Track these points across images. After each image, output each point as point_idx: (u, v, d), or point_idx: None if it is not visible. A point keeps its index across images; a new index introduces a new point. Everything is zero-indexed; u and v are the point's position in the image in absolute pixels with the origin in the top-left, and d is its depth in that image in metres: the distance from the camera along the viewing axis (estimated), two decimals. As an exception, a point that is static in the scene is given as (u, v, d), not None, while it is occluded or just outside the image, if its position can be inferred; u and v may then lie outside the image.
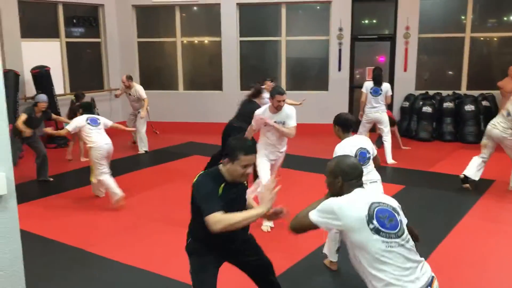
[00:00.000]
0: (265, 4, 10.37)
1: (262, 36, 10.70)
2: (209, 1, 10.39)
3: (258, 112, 5.11)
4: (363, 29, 10.38)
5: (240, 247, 2.98)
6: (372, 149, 4.07)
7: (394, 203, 2.52)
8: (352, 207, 2.37)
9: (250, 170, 2.73)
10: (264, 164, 5.07)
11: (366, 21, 10.56)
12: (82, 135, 6.01)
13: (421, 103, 9.63)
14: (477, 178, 6.29)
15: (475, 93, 9.72)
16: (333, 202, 2.42)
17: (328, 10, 10.13)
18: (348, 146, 3.93)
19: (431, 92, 10.00)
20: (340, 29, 10.02)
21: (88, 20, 10.42)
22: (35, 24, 9.54)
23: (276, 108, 4.92)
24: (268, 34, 10.71)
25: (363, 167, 3.82)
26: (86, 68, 10.71)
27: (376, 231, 2.30)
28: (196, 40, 11.12)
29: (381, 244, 2.29)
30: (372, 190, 2.51)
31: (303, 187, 6.34)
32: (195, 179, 2.80)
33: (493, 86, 9.42)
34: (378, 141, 7.90)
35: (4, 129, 1.96)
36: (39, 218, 5.50)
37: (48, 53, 9.59)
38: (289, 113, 4.99)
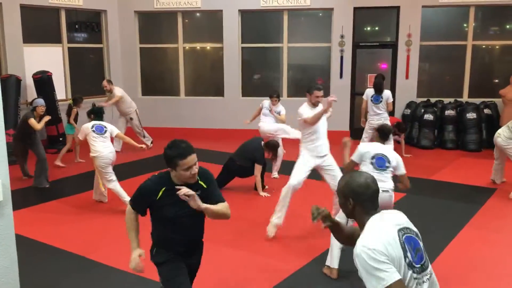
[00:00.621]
0: (267, 10, 10.38)
1: (264, 42, 10.71)
2: (211, 7, 10.41)
3: (304, 109, 5.01)
4: (365, 36, 10.38)
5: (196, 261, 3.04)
6: (397, 163, 4.21)
7: (414, 227, 2.19)
8: (390, 247, 1.97)
9: (195, 169, 2.69)
10: (300, 169, 4.98)
11: (368, 28, 10.56)
12: (88, 142, 5.96)
13: (422, 110, 9.60)
14: (498, 181, 6.88)
15: (477, 101, 9.70)
16: (374, 253, 1.94)
17: (330, 17, 10.14)
18: (371, 146, 4.30)
19: (432, 100, 9.98)
20: (342, 36, 10.02)
21: (91, 25, 10.45)
22: (37, 30, 9.57)
23: (314, 104, 5.01)
24: (270, 40, 10.72)
25: (379, 173, 4.04)
26: (88, 73, 10.73)
27: (410, 265, 1.99)
28: (198, 46, 11.13)
29: (413, 281, 1.99)
30: (390, 214, 2.14)
31: (305, 194, 6.30)
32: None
33: (495, 94, 9.41)
34: None
35: (0, 136, 1.95)
36: (38, 224, 5.48)
37: (50, 58, 9.61)
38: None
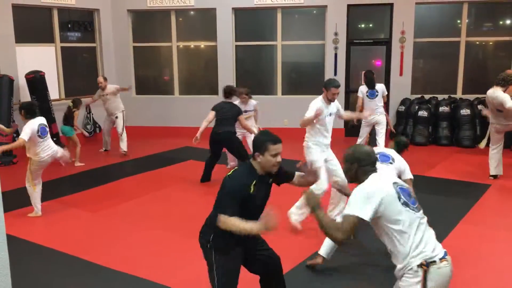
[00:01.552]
0: (260, 8, 10.36)
1: (257, 40, 10.69)
2: (205, 5, 10.38)
3: (317, 104, 5.02)
4: (358, 34, 10.38)
5: (255, 240, 3.11)
6: (404, 167, 4.25)
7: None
8: (381, 185, 2.61)
9: (279, 159, 2.92)
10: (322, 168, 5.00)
11: (362, 26, 10.57)
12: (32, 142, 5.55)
13: (417, 107, 9.62)
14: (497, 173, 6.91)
15: (471, 97, 9.72)
16: (363, 191, 2.60)
17: (324, 15, 10.13)
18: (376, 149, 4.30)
19: (426, 96, 9.99)
20: (336, 34, 10.02)
21: (84, 25, 10.39)
22: (30, 29, 9.50)
23: (330, 100, 5.03)
24: (263, 38, 10.71)
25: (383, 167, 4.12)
26: (81, 73, 10.67)
27: (405, 204, 2.58)
28: (192, 44, 11.10)
29: (412, 215, 2.57)
30: (385, 173, 2.83)
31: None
32: (231, 172, 2.97)
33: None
34: (372, 142, 7.97)
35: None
36: (31, 225, 5.45)
37: (43, 58, 9.55)
38: (337, 103, 5.25)
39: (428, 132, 9.55)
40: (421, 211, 2.66)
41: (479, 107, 9.08)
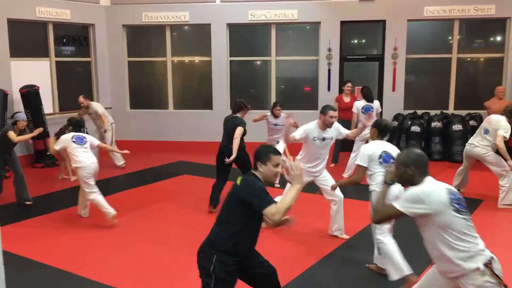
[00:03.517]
0: (255, 24, 10.46)
1: (252, 56, 10.78)
2: (200, 21, 10.46)
3: (308, 127, 5.13)
4: (352, 50, 10.50)
5: (254, 255, 3.20)
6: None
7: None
8: (435, 192, 2.70)
9: (279, 169, 3.06)
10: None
11: (355, 42, 10.69)
12: (68, 153, 5.94)
13: (409, 122, 9.70)
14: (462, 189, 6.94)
15: (463, 112, 9.82)
16: (418, 191, 2.72)
17: (317, 31, 10.24)
18: (374, 146, 4.36)
19: (419, 112, 10.09)
20: (329, 50, 10.12)
21: (79, 39, 10.43)
22: (24, 43, 9.53)
23: (327, 125, 5.07)
24: (258, 54, 10.80)
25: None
26: (76, 87, 10.68)
27: (457, 211, 2.68)
28: (186, 59, 11.16)
29: (462, 221, 2.67)
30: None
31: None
32: (240, 181, 3.03)
33: (480, 106, 9.53)
34: None
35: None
36: (25, 240, 5.41)
37: (38, 72, 9.56)
38: (337, 126, 5.25)
39: (421, 147, 9.61)
40: (469, 215, 2.78)
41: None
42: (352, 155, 7.97)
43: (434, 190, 2.72)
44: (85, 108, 8.68)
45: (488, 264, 2.65)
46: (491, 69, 10.33)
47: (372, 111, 7.76)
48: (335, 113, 5.09)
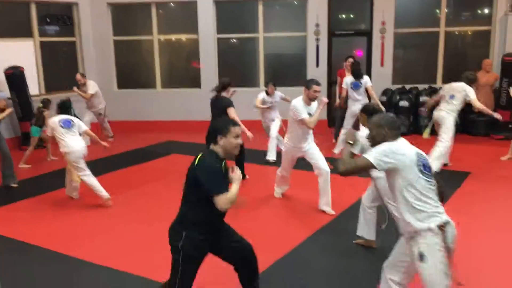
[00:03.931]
0: (242, 0, 10.33)
1: (239, 33, 10.67)
2: (186, -2, 10.32)
3: (299, 105, 5.17)
4: (340, 25, 10.43)
5: (226, 230, 3.22)
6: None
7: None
8: (405, 149, 2.83)
9: (240, 140, 3.07)
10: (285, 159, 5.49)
11: (343, 17, 10.62)
12: (56, 137, 5.83)
13: (398, 97, 9.73)
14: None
15: (451, 86, 9.84)
16: (390, 146, 2.84)
17: (305, 6, 10.15)
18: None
19: (407, 86, 10.11)
20: (317, 25, 10.05)
21: (62, 18, 10.24)
22: (7, 24, 9.33)
23: (311, 99, 5.12)
24: (245, 31, 10.69)
25: None
26: (62, 67, 10.54)
27: (421, 171, 2.79)
28: (173, 37, 11.03)
29: (425, 182, 2.78)
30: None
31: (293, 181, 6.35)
32: (198, 160, 3.00)
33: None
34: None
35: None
36: (16, 222, 5.40)
37: (22, 53, 9.39)
38: (317, 103, 5.26)
39: (409, 122, 9.67)
40: (434, 180, 2.88)
41: None
42: (343, 131, 8.00)
43: (405, 147, 2.85)
44: (82, 85, 8.75)
45: (441, 227, 2.77)
46: (478, 42, 10.34)
47: (361, 87, 7.77)
48: (319, 88, 5.13)
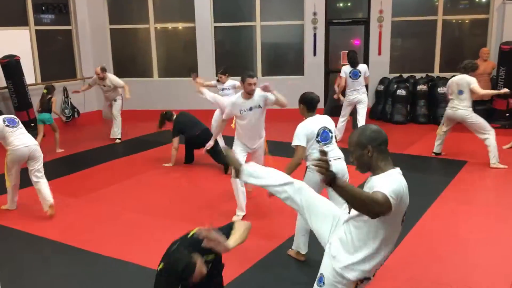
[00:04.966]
0: (238, -12, 10.27)
1: (236, 21, 10.61)
2: (182, -14, 10.24)
3: (230, 101, 4.99)
4: (337, 13, 10.39)
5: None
6: (335, 130, 4.09)
7: None
8: (404, 188, 2.28)
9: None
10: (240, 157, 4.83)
11: (341, 5, 10.57)
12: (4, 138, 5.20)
13: (395, 86, 9.73)
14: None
15: (448, 75, 9.81)
16: (399, 187, 2.23)
17: (302, -6, 10.09)
18: (311, 124, 3.93)
19: (405, 75, 10.10)
20: (315, 14, 10.01)
21: (58, 7, 10.15)
22: (2, 12, 9.24)
23: (249, 93, 4.73)
24: (242, 19, 10.63)
25: (326, 146, 3.82)
26: (58, 56, 10.47)
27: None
28: (169, 26, 10.97)
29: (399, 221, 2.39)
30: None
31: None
32: (158, 267, 2.74)
33: (465, 68, 9.55)
34: (354, 124, 8.08)
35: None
36: (13, 211, 5.41)
37: (17, 41, 9.33)
38: (263, 94, 4.75)
39: (407, 111, 9.68)
40: None
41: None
42: (340, 119, 8.03)
43: (402, 180, 2.32)
44: (100, 79, 8.46)
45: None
46: (476, 31, 10.32)
47: (360, 76, 7.75)
48: (254, 80, 4.69)
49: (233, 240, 2.70)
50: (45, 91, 7.97)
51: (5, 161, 5.26)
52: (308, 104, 4.02)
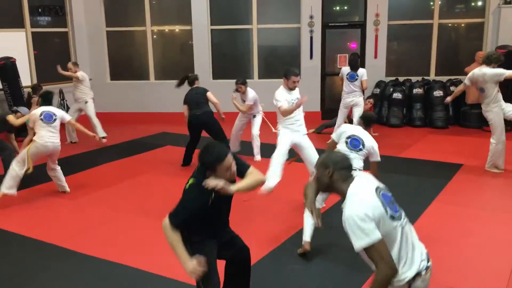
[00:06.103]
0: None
1: (233, 24, 10.62)
2: (179, -11, 10.25)
3: (281, 94, 5.12)
4: (334, 17, 10.42)
5: (228, 233, 3.12)
6: (373, 149, 4.31)
7: (380, 183, 2.51)
8: (371, 205, 2.25)
9: (234, 168, 2.79)
10: (279, 153, 5.12)
11: (337, 8, 10.60)
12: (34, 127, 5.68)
13: (391, 89, 9.76)
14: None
15: (444, 78, 9.90)
16: (358, 217, 2.21)
17: (299, -2, 10.12)
18: (350, 127, 4.47)
19: (401, 79, 10.14)
20: (311, 17, 10.04)
21: (55, 9, 10.15)
22: (-2, 14, 9.26)
23: (291, 89, 5.12)
24: (239, 22, 10.65)
25: (352, 152, 4.17)
26: (54, 58, 10.43)
27: (392, 217, 2.30)
28: (166, 28, 10.97)
29: (398, 228, 2.31)
30: (363, 178, 2.44)
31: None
32: (188, 183, 2.85)
33: (461, 72, 9.58)
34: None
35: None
36: (8, 213, 5.38)
37: (13, 43, 9.32)
38: (298, 91, 5.27)
39: (403, 114, 9.71)
40: (403, 213, 2.44)
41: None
42: (337, 123, 8.07)
43: (366, 201, 2.28)
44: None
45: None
46: (471, 35, 10.38)
47: (357, 79, 7.79)
48: (298, 78, 5.13)
49: (237, 186, 2.81)
50: (30, 90, 7.97)
51: (28, 148, 5.62)
52: (364, 119, 4.71)
